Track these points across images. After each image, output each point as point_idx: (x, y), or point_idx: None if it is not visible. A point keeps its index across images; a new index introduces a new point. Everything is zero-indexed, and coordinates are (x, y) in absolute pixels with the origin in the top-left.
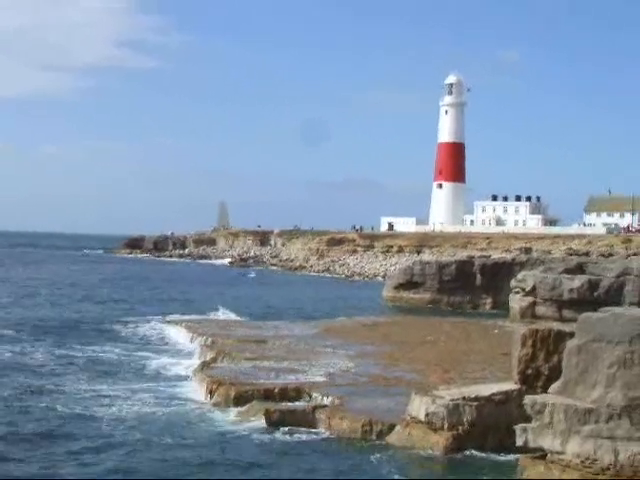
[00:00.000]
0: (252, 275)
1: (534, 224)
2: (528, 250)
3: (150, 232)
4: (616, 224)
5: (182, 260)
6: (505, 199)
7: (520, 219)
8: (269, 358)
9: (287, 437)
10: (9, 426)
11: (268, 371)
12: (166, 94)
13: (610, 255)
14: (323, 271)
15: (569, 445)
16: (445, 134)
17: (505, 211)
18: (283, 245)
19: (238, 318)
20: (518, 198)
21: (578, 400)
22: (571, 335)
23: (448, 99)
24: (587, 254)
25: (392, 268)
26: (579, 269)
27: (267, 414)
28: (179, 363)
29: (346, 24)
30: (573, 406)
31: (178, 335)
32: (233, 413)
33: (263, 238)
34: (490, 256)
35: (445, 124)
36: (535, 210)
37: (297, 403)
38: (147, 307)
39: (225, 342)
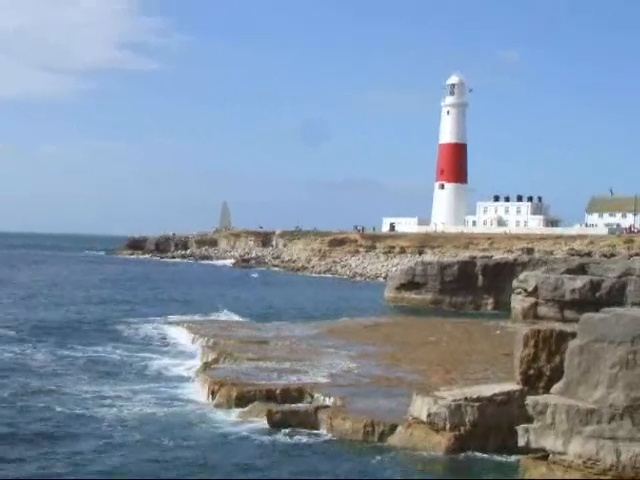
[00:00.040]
0: (255, 276)
1: (536, 224)
2: (530, 250)
3: (151, 232)
4: (618, 224)
5: (184, 261)
6: (507, 199)
7: (522, 219)
8: (271, 359)
9: (289, 438)
10: (10, 426)
11: (270, 372)
12: (167, 96)
13: (612, 255)
14: (325, 272)
15: (571, 446)
16: (447, 134)
17: (507, 211)
18: (285, 246)
19: (240, 319)
20: (520, 198)
21: (580, 401)
22: (573, 335)
23: (450, 99)
24: (589, 254)
25: (394, 269)
26: (581, 269)
27: (269, 415)
28: (181, 364)
29: (346, 24)
30: (575, 406)
31: (180, 336)
32: (235, 414)
33: (265, 239)
34: (492, 257)
35: (447, 124)
36: (537, 210)
37: (299, 404)
38: (149, 308)
39: (227, 343)
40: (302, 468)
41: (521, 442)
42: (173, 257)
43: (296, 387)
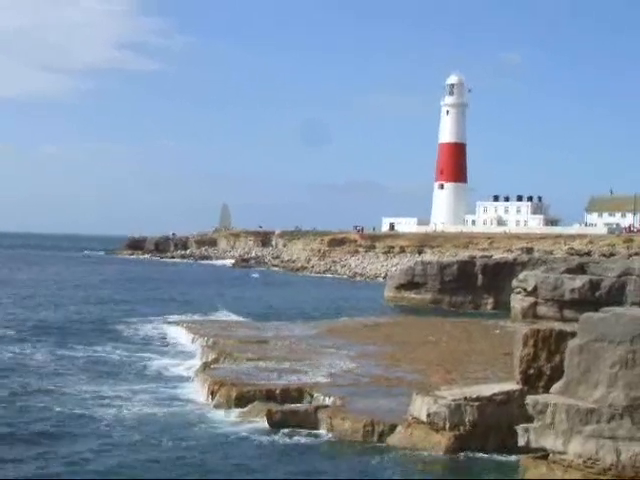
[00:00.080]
0: (256, 276)
1: (535, 224)
2: (529, 250)
3: (152, 233)
4: (617, 224)
5: (184, 261)
6: (506, 199)
7: (521, 219)
8: (270, 359)
9: (288, 438)
10: (9, 426)
11: (270, 372)
12: (168, 97)
13: (611, 255)
14: (324, 271)
15: (571, 445)
16: (446, 134)
17: (506, 211)
18: (284, 246)
19: (239, 319)
20: (519, 198)
21: (580, 400)
22: (573, 335)
23: (449, 99)
24: (588, 254)
25: (393, 268)
26: (580, 269)
27: (269, 415)
28: (180, 364)
29: (348, 27)
30: (575, 406)
31: (179, 336)
32: (234, 414)
33: (264, 239)
34: (491, 256)
35: (446, 124)
36: (536, 210)
37: (299, 404)
38: (148, 308)
39: (226, 343)
40: (301, 468)
41: (521, 442)
42: (173, 257)
43: (296, 387)
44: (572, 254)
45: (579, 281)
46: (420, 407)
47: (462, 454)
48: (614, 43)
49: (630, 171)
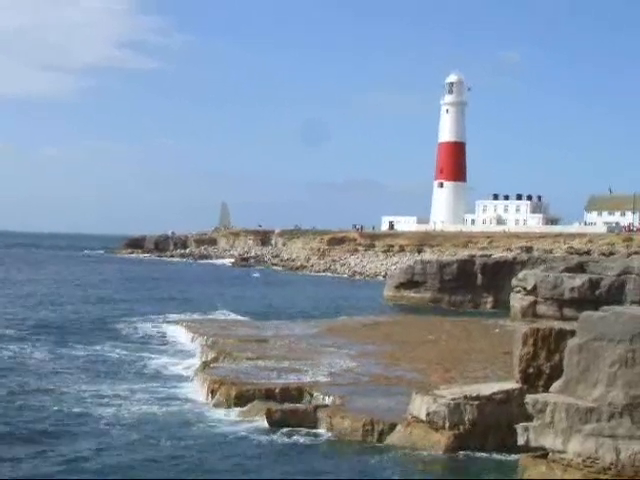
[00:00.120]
0: (256, 275)
1: (535, 223)
2: (529, 249)
3: (152, 232)
4: (617, 223)
5: (183, 260)
6: (506, 198)
7: (521, 218)
8: (270, 358)
9: (287, 437)
10: (7, 425)
11: (269, 371)
12: (167, 95)
13: (611, 254)
14: (324, 270)
15: (570, 444)
16: (446, 133)
17: (506, 210)
18: (284, 245)
19: (239, 318)
20: (519, 197)
21: (579, 399)
22: (572, 334)
23: (449, 98)
24: (588, 253)
25: (393, 267)
26: (580, 268)
27: (268, 414)
28: (180, 363)
29: (346, 25)
30: (574, 405)
31: (179, 335)
32: (234, 413)
33: (264, 238)
34: (491, 255)
35: (446, 123)
36: (536, 209)
37: (298, 403)
38: (148, 307)
39: (226, 342)
40: (300, 468)
41: (520, 441)
42: (172, 256)
43: (295, 386)
44: (572, 253)
45: (579, 280)
46: (419, 406)
47: (461, 453)
48: (613, 41)
49: (629, 170)
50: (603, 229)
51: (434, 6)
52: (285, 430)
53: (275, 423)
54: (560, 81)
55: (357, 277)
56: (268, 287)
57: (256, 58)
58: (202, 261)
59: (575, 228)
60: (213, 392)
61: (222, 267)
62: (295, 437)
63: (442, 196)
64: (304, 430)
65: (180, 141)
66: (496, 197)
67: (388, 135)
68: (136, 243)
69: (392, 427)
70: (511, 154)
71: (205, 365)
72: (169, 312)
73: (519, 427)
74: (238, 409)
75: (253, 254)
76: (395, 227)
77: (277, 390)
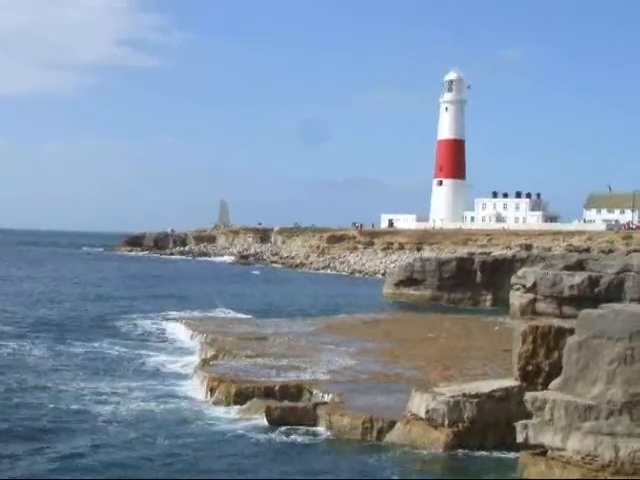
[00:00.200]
0: (256, 273)
1: (534, 221)
2: (528, 247)
3: (151, 230)
4: (616, 220)
5: (182, 257)
6: (505, 196)
7: (520, 216)
8: (269, 355)
9: (287, 435)
10: (5, 422)
11: (268, 368)
12: (167, 93)
13: (610, 251)
14: (323, 268)
15: (569, 441)
16: (445, 131)
17: (505, 208)
18: (283, 243)
19: (238, 315)
20: (518, 195)
21: (578, 396)
22: (571, 332)
23: (448, 96)
24: (587, 250)
25: (392, 265)
26: (579, 266)
27: (268, 411)
28: (179, 360)
29: (346, 24)
30: (573, 402)
31: (178, 332)
32: (234, 411)
33: (263, 235)
34: (490, 253)
35: (445, 121)
36: (535, 207)
37: (297, 401)
38: (147, 304)
39: (225, 339)
40: (298, 468)
41: (520, 438)
42: (171, 254)
43: (295, 384)
44: (571, 251)
45: (578, 278)
46: (419, 404)
47: (460, 451)
48: (613, 38)
49: (629, 167)
50: (602, 227)
51: (434, 4)
52: (284, 428)
53: (274, 421)
54: (559, 79)
55: (356, 275)
56: (268, 285)
57: (256, 56)
58: (201, 258)
59: (574, 226)
60: (212, 390)
61: (222, 265)
62: (294, 436)
63: (441, 194)
64: (302, 429)
65: (180, 139)
66: (495, 195)
67: (388, 133)
68: (135, 241)
69: (391, 425)
70: (510, 152)
71: (204, 363)
72: (168, 310)
73: (518, 425)
74: (237, 407)
75: (252, 252)
76: (394, 225)
77: (276, 388)
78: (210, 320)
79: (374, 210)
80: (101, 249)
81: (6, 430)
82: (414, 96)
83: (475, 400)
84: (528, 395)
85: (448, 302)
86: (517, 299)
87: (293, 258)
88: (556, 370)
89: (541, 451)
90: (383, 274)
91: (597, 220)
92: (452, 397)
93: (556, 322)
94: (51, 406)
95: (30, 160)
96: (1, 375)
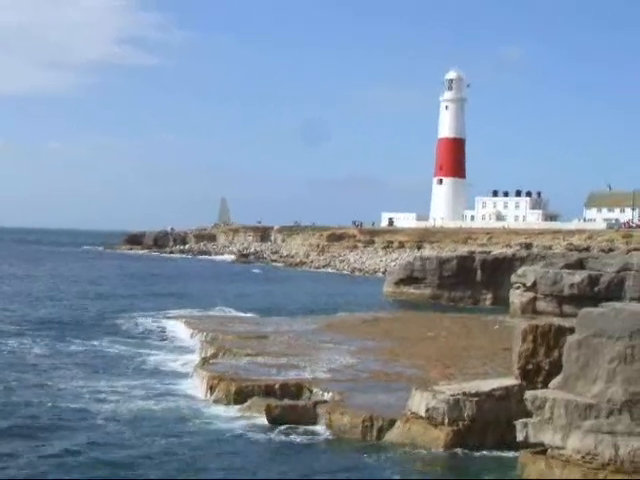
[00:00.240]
0: (257, 271)
1: (534, 219)
2: (528, 245)
3: (151, 228)
4: (616, 219)
5: (182, 256)
6: (505, 194)
7: (520, 214)
8: (270, 354)
9: (288, 434)
10: (4, 421)
11: (269, 367)
12: (167, 91)
13: (610, 250)
14: (324, 267)
15: (569, 440)
16: (445, 129)
17: (505, 206)
18: (283, 241)
19: (239, 314)
20: (518, 193)
21: (579, 395)
22: (571, 330)
23: (448, 94)
24: (587, 249)
25: (392, 264)
26: (579, 264)
27: (268, 410)
28: (179, 359)
29: (346, 24)
30: (573, 401)
31: (178, 331)
32: (234, 409)
33: (263, 234)
34: (490, 251)
35: (445, 119)
36: (535, 205)
37: (298, 399)
38: (147, 303)
39: (225, 338)
40: (296, 468)
41: (519, 437)
42: (171, 252)
43: (295, 382)
44: (571, 249)
45: (578, 276)
46: (419, 402)
47: (460, 449)
48: (614, 38)
49: (629, 166)
50: (602, 225)
51: (434, 3)
52: (284, 427)
53: (274, 419)
54: (559, 78)
55: (357, 273)
56: (268, 283)
57: (257, 55)
58: (201, 257)
59: (574, 224)
60: (212, 388)
61: (222, 263)
62: (293, 435)
63: (441, 192)
64: (302, 428)
65: (181, 137)
66: (495, 193)
67: (388, 132)
68: (135, 239)
69: (391, 423)
70: (511, 150)
71: (204, 361)
72: (168, 308)
73: (518, 423)
74: (238, 405)
75: (252, 250)
76: (395, 223)
77: (276, 386)
78: (210, 318)
79: (374, 208)
80: (101, 247)
81: (5, 428)
82: (414, 94)
83: (475, 399)
84: (528, 394)
85: (448, 301)
86: (517, 298)
87: (293, 257)
88: (556, 369)
89: (541, 450)
90: (383, 273)
91: (597, 219)
92: (452, 396)
93: (556, 321)
94: (50, 404)
95: (30, 159)
96: (1, 373)
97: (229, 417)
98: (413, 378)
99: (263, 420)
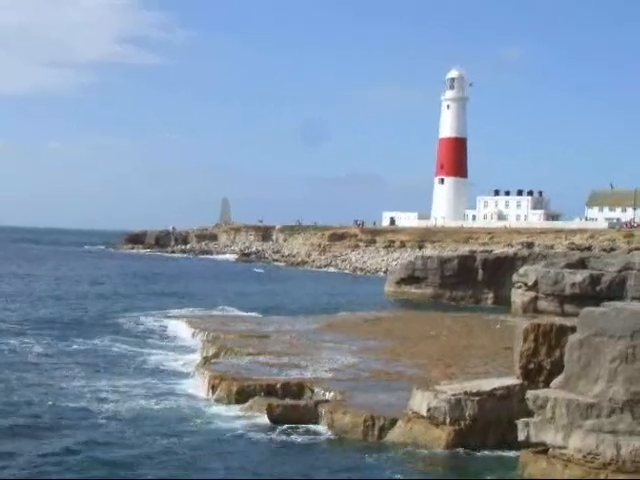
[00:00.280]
0: (259, 270)
1: (536, 219)
2: (530, 245)
3: (152, 228)
4: (618, 219)
5: (184, 255)
6: (507, 194)
7: (522, 214)
8: (271, 353)
9: (289, 434)
10: (5, 420)
11: (270, 366)
12: (169, 90)
13: (612, 250)
14: (325, 266)
15: (571, 440)
16: (447, 129)
17: (507, 206)
18: (285, 240)
19: (240, 313)
20: (520, 193)
21: (580, 395)
22: (573, 330)
23: (450, 94)
24: (589, 249)
25: (394, 263)
26: (581, 264)
27: (269, 409)
28: (180, 358)
29: (347, 23)
30: (575, 401)
31: (180, 330)
32: (235, 409)
33: (265, 233)
34: (492, 251)
35: (447, 119)
36: (537, 205)
37: (299, 399)
38: (149, 302)
39: (227, 337)
40: (297, 468)
41: (521, 436)
42: (173, 252)
43: (296, 382)
44: (573, 249)
45: (580, 276)
46: (420, 402)
47: (462, 449)
48: (614, 37)
49: (630, 165)
50: (604, 225)
51: (435, 2)
52: (284, 427)
53: (276, 419)
54: (561, 77)
55: (358, 273)
56: (269, 283)
57: (257, 55)
58: (203, 257)
59: (576, 224)
60: (214, 388)
61: (224, 263)
62: (294, 435)
63: (443, 192)
64: (303, 428)
65: (183, 136)
66: (497, 193)
67: (390, 131)
68: (137, 238)
69: (393, 423)
70: (512, 150)
71: (206, 360)
72: (170, 307)
73: (520, 423)
74: (239, 405)
75: (254, 250)
76: (396, 223)
77: (278, 386)
78: (212, 318)
79: (375, 208)
80: (102, 247)
81: (6, 427)
82: (414, 94)
83: (476, 398)
84: (529, 393)
85: (450, 300)
86: (519, 297)
87: (295, 256)
88: (558, 368)
89: (542, 449)
90: (385, 272)
91: (599, 218)
92: (453, 395)
93: (558, 320)
94: (51, 403)
95: (30, 159)
96: (2, 373)
97: (230, 416)
98: (414, 377)
99: (264, 420)
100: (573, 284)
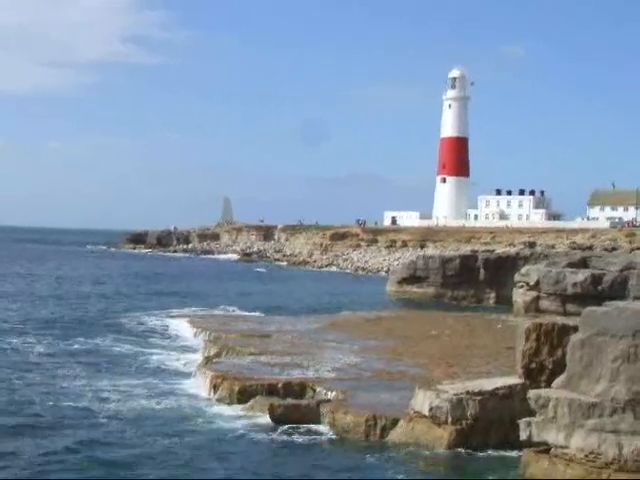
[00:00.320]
0: (262, 270)
1: (538, 218)
2: (532, 244)
3: (154, 228)
4: (620, 218)
5: (186, 255)
6: (509, 193)
7: (524, 213)
8: (273, 353)
9: (290, 433)
10: (6, 419)
11: (272, 366)
12: (170, 90)
13: (614, 249)
14: (327, 266)
15: (573, 439)
16: (448, 128)
17: (509, 205)
18: (287, 240)
19: (242, 313)
20: (522, 192)
21: (582, 394)
22: (575, 329)
23: (451, 93)
24: (591, 248)
25: (396, 263)
26: (583, 263)
27: (271, 409)
28: (182, 358)
29: (347, 23)
30: (577, 400)
31: (182, 330)
32: (237, 408)
33: (267, 233)
34: (494, 250)
35: (448, 118)
36: (539, 204)
37: (301, 398)
38: (150, 302)
39: (229, 337)
40: (298, 468)
41: (523, 436)
42: (175, 251)
43: (298, 381)
44: (574, 248)
45: (581, 275)
46: (422, 401)
47: (464, 449)
48: (616, 36)
49: (632, 165)
50: (606, 224)
51: (435, 2)
52: (286, 427)
53: (278, 418)
54: (563, 76)
55: (360, 272)
56: (271, 282)
57: (257, 54)
58: (205, 256)
59: (578, 223)
60: (215, 387)
61: (225, 262)
62: (296, 434)
63: (445, 191)
64: (304, 428)
65: (183, 136)
66: (499, 192)
67: (391, 130)
68: (138, 238)
69: (395, 422)
70: (514, 149)
71: (208, 360)
72: (172, 307)
73: (522, 422)
74: (241, 404)
75: (256, 249)
76: (398, 222)
77: (280, 385)
78: (213, 317)
79: (377, 207)
80: (104, 247)
81: (8, 427)
82: (415, 93)
83: (478, 398)
84: (531, 393)
85: (451, 300)
86: (520, 297)
87: (297, 256)
88: (559, 368)
89: (544, 449)
90: (386, 272)
91: (600, 218)
92: (455, 395)
93: (559, 320)
94: (52, 403)
95: (30, 159)
96: (3, 372)
97: (232, 416)
98: (416, 377)
99: (266, 419)
100: (575, 284)
